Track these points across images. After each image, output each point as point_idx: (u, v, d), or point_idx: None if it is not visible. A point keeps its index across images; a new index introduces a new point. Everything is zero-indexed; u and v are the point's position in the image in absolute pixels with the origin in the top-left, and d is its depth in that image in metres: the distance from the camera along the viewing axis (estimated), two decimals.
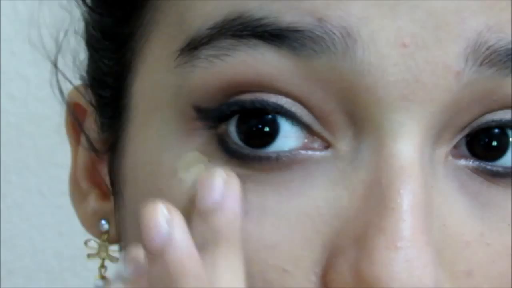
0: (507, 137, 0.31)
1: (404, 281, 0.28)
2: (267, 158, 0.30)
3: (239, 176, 0.30)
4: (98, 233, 0.40)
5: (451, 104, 0.30)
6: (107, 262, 0.40)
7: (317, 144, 0.30)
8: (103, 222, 0.40)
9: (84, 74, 0.40)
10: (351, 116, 0.30)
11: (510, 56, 0.30)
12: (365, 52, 0.29)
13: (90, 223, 0.40)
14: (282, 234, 0.30)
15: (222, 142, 0.30)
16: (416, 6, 0.29)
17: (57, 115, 0.43)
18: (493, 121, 0.31)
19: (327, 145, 0.30)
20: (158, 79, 0.33)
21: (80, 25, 0.40)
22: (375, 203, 0.29)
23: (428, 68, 0.29)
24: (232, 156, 0.30)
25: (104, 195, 0.40)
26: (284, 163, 0.30)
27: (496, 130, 0.31)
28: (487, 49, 0.29)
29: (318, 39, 0.29)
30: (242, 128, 0.30)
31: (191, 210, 0.30)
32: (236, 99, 0.30)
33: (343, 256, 0.29)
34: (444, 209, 0.30)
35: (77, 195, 0.41)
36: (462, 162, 0.31)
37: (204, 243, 0.29)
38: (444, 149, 0.31)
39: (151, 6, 0.33)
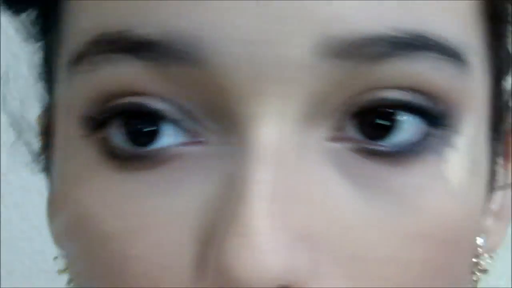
0: (394, 115, 0.31)
1: (251, 268, 0.28)
2: (145, 156, 0.31)
3: (125, 179, 0.31)
4: None
5: (310, 95, 0.30)
6: None
7: (192, 140, 0.31)
8: None
9: None
10: (217, 113, 0.30)
11: (361, 46, 0.30)
12: (215, 55, 0.29)
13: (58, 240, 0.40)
14: (163, 231, 0.31)
15: (105, 147, 0.32)
16: (261, 2, 0.29)
17: None
18: (375, 100, 0.31)
19: (200, 141, 0.31)
20: (60, 92, 0.35)
21: None
22: (231, 193, 0.29)
23: (276, 63, 0.29)
24: (115, 159, 0.32)
25: None
26: (161, 160, 0.31)
27: (384, 110, 0.31)
28: (333, 40, 0.29)
29: (169, 48, 0.30)
30: (125, 130, 0.32)
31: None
32: (111, 105, 0.31)
33: (210, 248, 0.30)
34: (324, 194, 0.30)
35: (50, 212, 0.41)
36: (343, 145, 0.31)
37: None
38: (319, 134, 0.31)
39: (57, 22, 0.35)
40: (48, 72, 0.38)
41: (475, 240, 0.35)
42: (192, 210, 0.30)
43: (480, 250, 0.37)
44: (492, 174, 0.36)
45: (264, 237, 0.28)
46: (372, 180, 0.31)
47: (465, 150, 0.33)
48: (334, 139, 0.31)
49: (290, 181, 0.30)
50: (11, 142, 0.78)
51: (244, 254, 0.28)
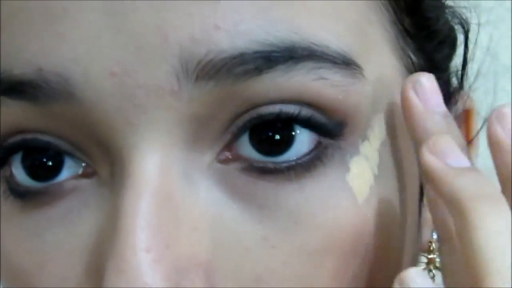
0: (285, 129, 0.30)
1: None
2: (46, 192, 0.31)
3: (29, 215, 0.32)
4: None
5: (186, 120, 0.29)
6: None
7: (86, 172, 0.31)
8: None
9: None
10: (102, 145, 0.30)
11: (227, 66, 0.28)
12: (83, 91, 0.29)
13: None
14: (64, 266, 0.31)
15: (9, 184, 0.32)
16: (118, 32, 0.29)
17: None
18: (262, 116, 0.30)
19: (93, 173, 0.31)
20: None
21: None
22: (112, 226, 0.29)
23: (141, 92, 0.29)
24: (19, 196, 0.32)
25: None
26: (60, 194, 0.31)
27: (275, 125, 0.30)
28: (198, 63, 0.28)
29: (40, 88, 0.29)
30: (25, 166, 0.32)
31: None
32: (6, 144, 0.32)
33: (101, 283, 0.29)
34: (214, 219, 0.30)
35: None
36: (235, 165, 0.30)
37: None
38: (207, 158, 0.30)
39: None
40: None
41: (401, 244, 0.33)
42: (88, 244, 0.30)
43: (433, 245, 0.36)
44: None
45: (141, 272, 0.28)
46: (267, 200, 0.30)
47: (372, 156, 0.31)
48: (225, 161, 0.30)
49: (173, 211, 0.29)
50: None
51: None
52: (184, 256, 0.29)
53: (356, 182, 0.31)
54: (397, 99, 0.32)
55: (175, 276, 0.28)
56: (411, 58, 0.34)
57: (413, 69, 0.34)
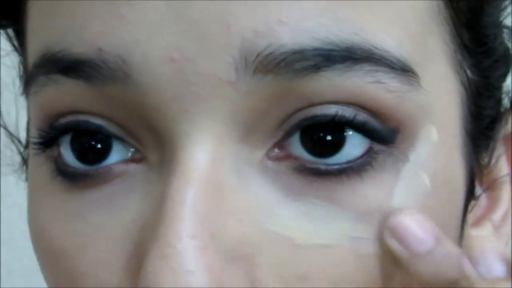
0: (338, 131, 0.30)
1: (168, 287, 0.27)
2: (93, 175, 0.31)
3: (74, 196, 0.32)
4: None
5: (238, 112, 0.29)
6: None
7: (135, 157, 0.31)
8: None
9: None
10: (153, 131, 0.30)
11: (286, 60, 0.28)
12: (141, 74, 0.29)
13: None
14: (107, 249, 0.31)
15: (56, 165, 0.32)
16: (181, 18, 0.29)
17: None
18: (317, 116, 0.29)
19: (142, 158, 0.31)
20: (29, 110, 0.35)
21: None
22: (158, 212, 0.29)
23: (199, 80, 0.29)
24: (65, 177, 0.32)
25: None
26: (107, 178, 0.31)
27: (328, 126, 0.30)
28: (258, 56, 0.28)
29: (98, 68, 0.29)
30: (74, 148, 0.32)
31: None
32: (57, 124, 0.32)
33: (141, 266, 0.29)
34: (263, 214, 0.30)
35: None
36: (283, 164, 0.30)
37: None
38: (258, 153, 0.30)
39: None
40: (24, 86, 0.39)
41: None
42: (131, 229, 0.30)
43: None
44: (471, 183, 0.35)
45: (185, 258, 0.27)
46: (320, 200, 0.30)
47: (422, 165, 0.31)
48: (276, 159, 0.30)
49: (221, 201, 0.29)
50: (11, 142, 0.78)
51: (165, 277, 0.28)
52: (229, 247, 0.29)
53: (407, 191, 0.30)
54: (451, 113, 0.32)
55: (218, 265, 0.28)
56: (466, 74, 0.34)
57: (467, 84, 0.34)
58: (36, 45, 0.32)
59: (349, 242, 0.30)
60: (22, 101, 0.42)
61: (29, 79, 0.32)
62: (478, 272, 0.29)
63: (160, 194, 0.29)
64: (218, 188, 0.29)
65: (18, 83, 0.42)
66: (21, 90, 0.39)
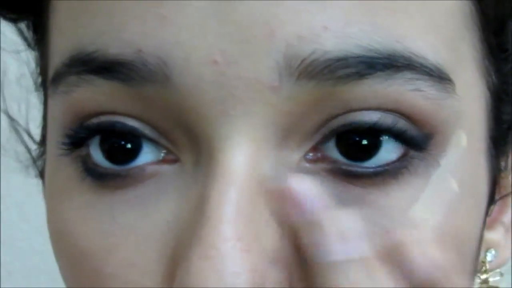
0: (375, 137, 0.30)
1: None
2: (123, 175, 0.31)
3: (103, 197, 0.31)
4: None
5: (281, 117, 0.29)
6: None
7: (168, 158, 0.31)
8: None
9: None
10: (189, 132, 0.30)
11: (330, 67, 0.29)
12: (181, 76, 0.29)
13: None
14: (136, 250, 0.31)
15: (85, 165, 0.32)
16: (224, 20, 0.29)
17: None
18: (355, 122, 0.30)
19: (175, 160, 0.31)
20: (49, 107, 0.35)
21: None
22: (198, 214, 0.29)
23: (241, 84, 0.29)
24: (94, 176, 0.32)
25: None
26: (138, 179, 0.31)
27: (365, 131, 0.30)
28: (302, 62, 0.28)
29: (137, 70, 0.29)
30: (104, 148, 0.31)
31: None
32: (87, 124, 0.31)
33: (178, 270, 0.29)
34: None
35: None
36: (319, 166, 0.30)
37: None
38: (295, 156, 0.30)
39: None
40: (43, 82, 0.39)
41: (466, 261, 0.33)
42: (164, 231, 0.30)
43: (487, 266, 0.36)
44: (493, 188, 0.35)
45: (230, 260, 0.28)
46: (354, 202, 0.30)
47: (451, 170, 0.31)
48: (312, 160, 0.30)
49: (262, 203, 0.29)
50: (11, 142, 0.78)
51: (209, 278, 0.28)
52: (271, 250, 0.29)
53: (435, 195, 0.31)
54: (478, 118, 0.33)
55: (262, 267, 0.28)
56: (492, 79, 0.34)
57: (493, 90, 0.34)
58: (65, 44, 0.32)
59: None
60: (32, 98, 0.42)
61: (57, 78, 0.32)
62: None
63: (197, 196, 0.29)
64: (259, 190, 0.29)
65: (28, 79, 0.42)
66: (35, 86, 0.39)
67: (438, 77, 0.30)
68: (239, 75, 0.29)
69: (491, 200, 0.35)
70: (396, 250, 0.29)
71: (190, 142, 0.30)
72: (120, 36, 0.29)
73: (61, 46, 0.32)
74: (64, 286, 0.35)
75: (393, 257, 0.29)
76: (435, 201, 0.31)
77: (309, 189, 0.29)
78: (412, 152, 0.30)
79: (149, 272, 0.30)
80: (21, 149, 0.46)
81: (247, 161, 0.29)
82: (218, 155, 0.29)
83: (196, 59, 0.29)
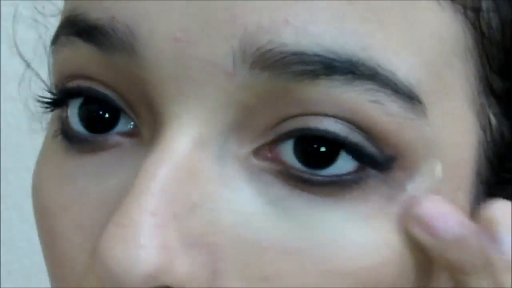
0: (332, 147, 0.29)
1: (117, 258, 0.27)
2: (91, 141, 0.32)
3: (69, 159, 0.33)
4: None
5: (234, 104, 0.29)
6: None
7: (131, 131, 0.32)
8: None
9: None
10: (150, 106, 0.30)
11: (285, 60, 0.28)
12: (145, 48, 0.29)
13: None
14: (86, 213, 0.31)
15: (62, 125, 0.33)
16: (190, 1, 0.29)
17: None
18: (311, 128, 0.29)
19: (138, 133, 0.31)
20: None
21: None
22: (131, 185, 0.29)
23: (197, 65, 0.29)
24: (66, 138, 0.33)
25: None
26: (103, 147, 0.32)
27: (323, 138, 0.29)
28: (257, 50, 0.28)
29: (109, 36, 0.30)
30: (83, 114, 0.32)
31: None
32: (66, 87, 0.33)
33: None
34: (234, 209, 0.29)
35: None
36: (267, 165, 0.30)
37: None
38: (245, 150, 0.30)
39: None
40: None
41: None
42: (111, 198, 0.30)
43: None
44: None
45: (140, 232, 0.28)
46: (297, 209, 0.29)
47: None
48: (262, 158, 0.30)
49: (193, 186, 0.29)
50: (11, 142, 0.79)
51: (116, 245, 0.28)
52: (192, 232, 0.29)
53: (398, 221, 0.30)
54: (462, 153, 0.31)
55: (173, 247, 0.28)
56: (489, 120, 0.32)
57: (489, 130, 0.32)
58: (66, 7, 0.33)
59: (318, 256, 0.29)
60: None
61: (54, 38, 0.33)
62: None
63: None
64: (194, 174, 0.29)
65: None
66: None
67: (405, 95, 0.29)
68: (196, 56, 0.29)
69: None
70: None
71: (150, 117, 0.30)
72: (100, 1, 0.30)
73: (64, 8, 0.33)
74: (51, 287, 0.35)
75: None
76: (393, 229, 0.30)
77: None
78: (368, 170, 0.29)
79: (92, 236, 0.30)
80: None
81: (189, 143, 0.29)
82: (164, 132, 0.29)
83: (159, 33, 0.29)
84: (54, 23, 0.43)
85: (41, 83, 0.45)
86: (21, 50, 0.49)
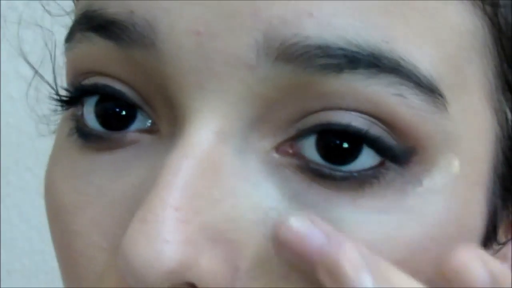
0: (353, 142, 0.29)
1: (141, 254, 0.27)
2: (108, 139, 0.32)
3: (85, 157, 0.32)
4: None
5: (255, 97, 0.29)
6: None
7: (148, 128, 0.31)
8: None
9: None
10: (168, 101, 0.30)
11: (309, 54, 0.28)
12: (165, 43, 0.29)
13: None
14: (104, 211, 0.31)
15: (77, 123, 0.33)
16: None
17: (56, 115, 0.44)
18: (333, 123, 0.29)
19: (157, 130, 0.31)
20: None
21: None
22: (153, 181, 0.29)
23: (219, 58, 0.29)
24: (80, 135, 0.32)
25: None
26: (120, 144, 0.32)
27: (343, 132, 0.29)
28: (281, 44, 0.28)
29: (127, 31, 0.30)
30: (99, 111, 0.32)
31: None
32: (83, 84, 0.32)
33: None
34: (259, 204, 0.29)
35: None
36: (288, 160, 0.30)
37: None
38: (266, 144, 0.30)
39: None
40: None
41: None
42: (129, 195, 0.30)
43: None
44: (493, 229, 0.33)
45: (164, 227, 0.27)
46: (316, 203, 0.29)
47: (436, 194, 0.30)
48: (283, 153, 0.30)
49: (216, 181, 0.29)
50: (11, 142, 0.79)
51: (139, 241, 0.27)
52: (215, 228, 0.28)
53: (413, 215, 0.29)
54: (479, 149, 0.31)
55: (198, 241, 0.28)
56: (506, 115, 0.32)
57: (506, 127, 0.32)
58: (82, 3, 0.32)
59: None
60: None
61: (69, 35, 0.32)
62: None
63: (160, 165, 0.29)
64: (217, 168, 0.29)
65: None
66: None
67: (427, 88, 0.29)
68: (218, 49, 0.28)
69: (489, 239, 0.33)
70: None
71: (169, 113, 0.30)
72: None
73: (79, 5, 0.33)
74: (63, 287, 0.35)
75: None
76: (410, 220, 0.29)
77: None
78: (388, 164, 0.29)
79: (110, 234, 0.30)
80: None
81: (211, 137, 0.29)
82: (186, 127, 0.29)
83: (180, 27, 0.29)
84: (56, 24, 0.43)
85: (44, 84, 0.45)
86: (21, 50, 0.49)
